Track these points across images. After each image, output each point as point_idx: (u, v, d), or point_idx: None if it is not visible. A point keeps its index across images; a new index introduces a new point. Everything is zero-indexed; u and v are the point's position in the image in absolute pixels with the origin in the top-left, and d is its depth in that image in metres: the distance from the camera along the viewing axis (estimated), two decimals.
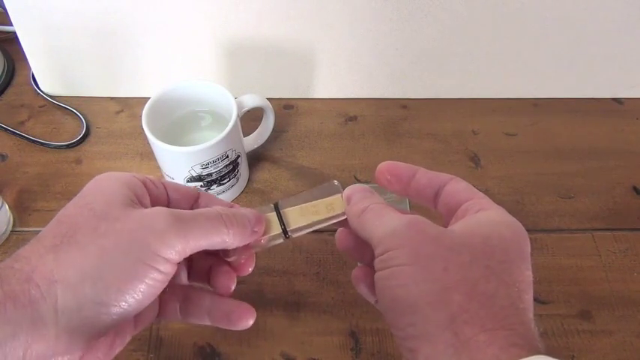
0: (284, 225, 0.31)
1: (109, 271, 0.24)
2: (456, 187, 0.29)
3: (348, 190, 0.31)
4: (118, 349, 0.28)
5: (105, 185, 0.28)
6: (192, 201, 0.32)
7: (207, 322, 0.32)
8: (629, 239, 0.52)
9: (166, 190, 0.31)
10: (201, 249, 0.27)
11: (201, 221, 0.27)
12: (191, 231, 0.26)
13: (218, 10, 0.54)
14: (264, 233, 0.31)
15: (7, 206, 0.50)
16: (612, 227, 0.53)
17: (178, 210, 0.27)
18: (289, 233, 0.31)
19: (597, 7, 0.55)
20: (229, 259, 0.31)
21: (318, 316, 0.46)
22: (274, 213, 0.31)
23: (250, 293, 0.47)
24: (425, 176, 0.30)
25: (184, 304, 0.31)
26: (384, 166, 0.31)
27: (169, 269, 0.26)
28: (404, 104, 0.63)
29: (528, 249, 0.26)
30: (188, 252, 0.26)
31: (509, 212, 0.28)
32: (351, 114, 0.62)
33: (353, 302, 0.47)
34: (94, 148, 0.58)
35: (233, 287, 0.32)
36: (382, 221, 0.27)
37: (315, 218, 0.31)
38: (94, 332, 0.25)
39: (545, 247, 0.51)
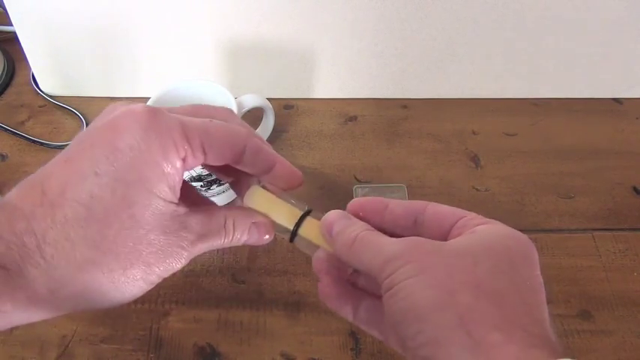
0: (297, 227, 0.30)
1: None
2: (439, 209, 0.28)
3: (326, 219, 0.29)
4: None
5: (148, 159, 0.25)
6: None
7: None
8: (629, 239, 0.52)
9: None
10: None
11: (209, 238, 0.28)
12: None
13: (218, 10, 0.54)
14: (280, 220, 0.31)
15: None
16: (612, 227, 0.53)
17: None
18: (295, 238, 0.30)
19: (597, 7, 0.55)
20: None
21: (318, 316, 0.46)
22: (300, 213, 0.31)
23: (250, 293, 0.47)
24: (400, 206, 0.29)
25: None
26: (355, 204, 0.30)
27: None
28: (404, 104, 0.63)
29: (536, 258, 0.25)
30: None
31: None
32: (351, 114, 0.62)
33: None
34: None
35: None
36: (380, 249, 0.26)
37: (324, 244, 0.30)
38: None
39: (545, 247, 0.51)
